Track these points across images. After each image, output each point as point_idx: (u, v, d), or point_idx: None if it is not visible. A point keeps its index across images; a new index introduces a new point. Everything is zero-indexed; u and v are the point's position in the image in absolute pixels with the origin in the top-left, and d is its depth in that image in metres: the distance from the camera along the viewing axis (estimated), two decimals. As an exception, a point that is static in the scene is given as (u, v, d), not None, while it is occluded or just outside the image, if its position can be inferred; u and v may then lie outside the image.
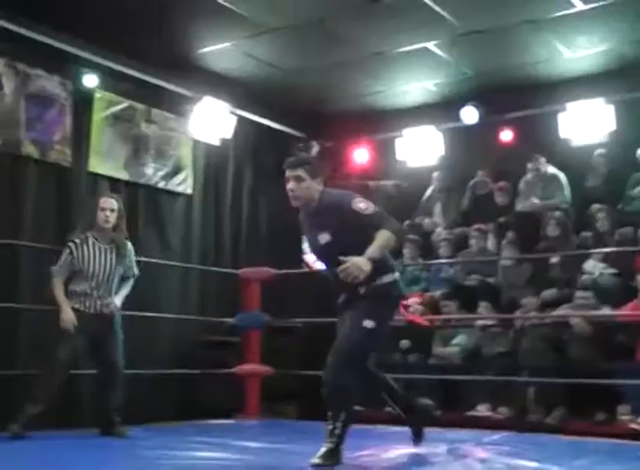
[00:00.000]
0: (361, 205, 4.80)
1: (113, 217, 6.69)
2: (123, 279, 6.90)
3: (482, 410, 7.92)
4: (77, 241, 6.66)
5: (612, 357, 7.44)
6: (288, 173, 5.06)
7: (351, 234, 4.74)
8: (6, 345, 7.54)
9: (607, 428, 7.10)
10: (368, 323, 4.78)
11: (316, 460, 4.63)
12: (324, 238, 4.92)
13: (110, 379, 6.68)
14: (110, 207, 6.69)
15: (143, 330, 8.49)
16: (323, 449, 4.68)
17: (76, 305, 6.56)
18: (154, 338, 8.65)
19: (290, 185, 5.03)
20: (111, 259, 6.69)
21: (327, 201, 4.96)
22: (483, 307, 8.43)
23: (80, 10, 7.80)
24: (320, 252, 5.10)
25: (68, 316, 6.45)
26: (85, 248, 6.62)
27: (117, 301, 6.77)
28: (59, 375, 6.48)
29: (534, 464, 5.13)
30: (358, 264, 4.50)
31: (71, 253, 6.60)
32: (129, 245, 6.94)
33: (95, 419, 7.02)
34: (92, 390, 7.58)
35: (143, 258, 8.68)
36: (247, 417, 8.43)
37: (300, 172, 4.99)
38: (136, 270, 7.05)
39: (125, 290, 6.94)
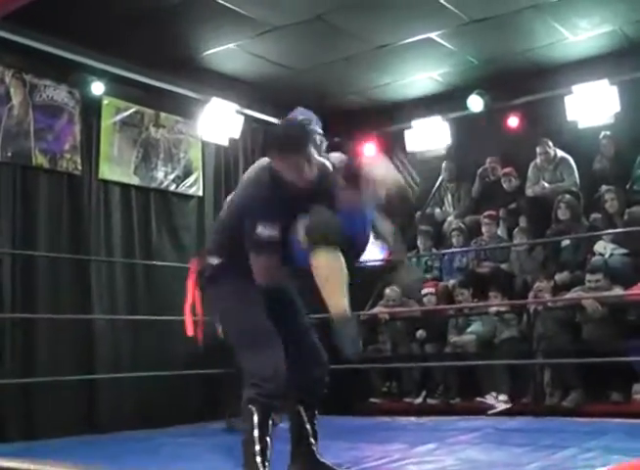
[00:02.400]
0: None
1: None
2: None
3: (499, 397, 7.96)
4: None
5: (625, 337, 7.47)
6: None
7: None
8: (25, 354, 7.65)
9: (623, 408, 7.14)
10: None
11: None
12: None
13: None
14: None
15: (160, 333, 8.61)
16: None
17: None
18: (171, 340, 8.71)
19: None
20: None
21: None
22: (494, 297, 8.46)
23: (84, 18, 7.87)
24: None
25: None
26: None
27: None
28: None
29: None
30: None
31: None
32: None
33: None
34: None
35: (157, 262, 8.85)
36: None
37: None
38: None
39: None
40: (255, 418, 3.91)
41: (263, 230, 3.92)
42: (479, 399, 8.09)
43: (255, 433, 3.91)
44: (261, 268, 4.03)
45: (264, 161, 4.25)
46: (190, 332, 4.51)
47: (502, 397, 7.97)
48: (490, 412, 7.80)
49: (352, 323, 3.89)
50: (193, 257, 4.57)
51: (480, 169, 10.47)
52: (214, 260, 4.21)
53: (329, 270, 3.91)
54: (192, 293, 4.37)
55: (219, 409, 7.90)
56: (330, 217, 4.00)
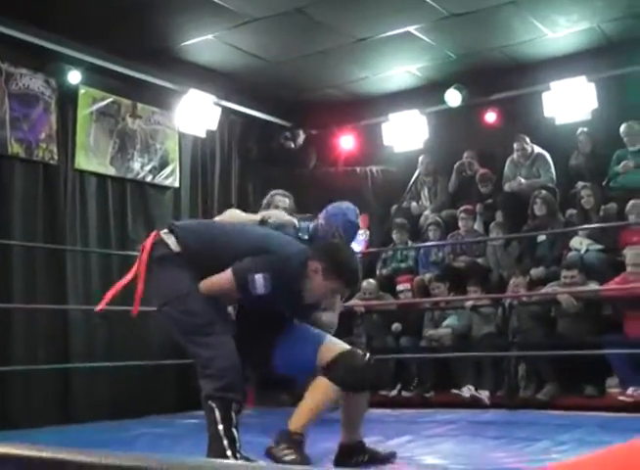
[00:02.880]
0: None
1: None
2: None
3: (473, 390, 7.98)
4: None
5: (600, 332, 7.53)
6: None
7: None
8: (0, 344, 7.61)
9: (597, 401, 7.19)
10: None
11: None
12: None
13: None
14: (283, 205, 6.64)
15: (136, 323, 8.57)
16: None
17: None
18: (148, 330, 8.70)
19: None
20: None
21: None
22: (473, 291, 8.48)
23: (62, 7, 7.83)
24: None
25: None
26: None
27: None
28: None
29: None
30: None
31: None
32: None
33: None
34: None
35: (133, 253, 8.79)
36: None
37: None
38: None
39: None
40: (217, 413, 3.94)
41: (260, 281, 4.01)
42: (454, 391, 8.10)
43: (220, 427, 3.94)
44: (218, 291, 4.11)
45: (306, 251, 4.29)
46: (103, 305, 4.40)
47: (484, 392, 7.97)
48: (470, 395, 7.84)
49: (299, 447, 4.14)
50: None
51: (457, 164, 10.48)
52: (174, 245, 4.16)
53: (324, 401, 4.26)
54: (143, 266, 4.24)
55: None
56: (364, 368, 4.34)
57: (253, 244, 4.14)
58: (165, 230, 4.24)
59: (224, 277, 4.07)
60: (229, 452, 3.92)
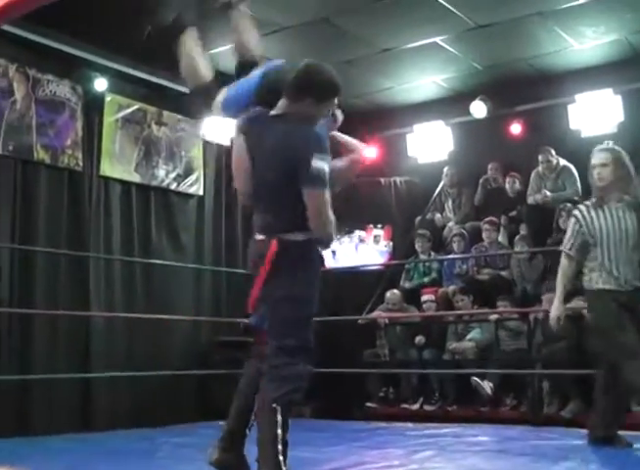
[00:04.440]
0: None
1: (605, 173, 5.82)
2: None
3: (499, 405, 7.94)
4: (583, 207, 5.86)
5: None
6: None
7: None
8: (22, 349, 7.63)
9: (622, 420, 7.10)
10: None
11: None
12: None
13: None
14: (599, 162, 5.87)
15: (157, 332, 8.58)
16: None
17: (599, 285, 5.71)
18: (169, 339, 8.70)
19: None
20: (624, 222, 5.68)
21: None
22: (502, 306, 8.43)
23: (89, 14, 7.81)
24: None
25: (555, 312, 5.87)
26: (593, 213, 5.74)
27: None
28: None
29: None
30: None
31: (578, 221, 5.77)
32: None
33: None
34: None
35: (156, 261, 8.81)
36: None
37: None
38: None
39: None
40: (279, 417, 3.82)
41: (320, 163, 3.85)
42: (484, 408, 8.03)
43: (279, 431, 3.82)
44: (325, 207, 3.88)
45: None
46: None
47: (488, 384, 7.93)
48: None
49: None
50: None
51: (483, 178, 10.45)
52: (298, 236, 3.96)
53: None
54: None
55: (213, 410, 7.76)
56: None
57: (284, 164, 3.96)
58: (278, 237, 4.00)
59: (316, 202, 3.89)
60: (281, 457, 3.82)
